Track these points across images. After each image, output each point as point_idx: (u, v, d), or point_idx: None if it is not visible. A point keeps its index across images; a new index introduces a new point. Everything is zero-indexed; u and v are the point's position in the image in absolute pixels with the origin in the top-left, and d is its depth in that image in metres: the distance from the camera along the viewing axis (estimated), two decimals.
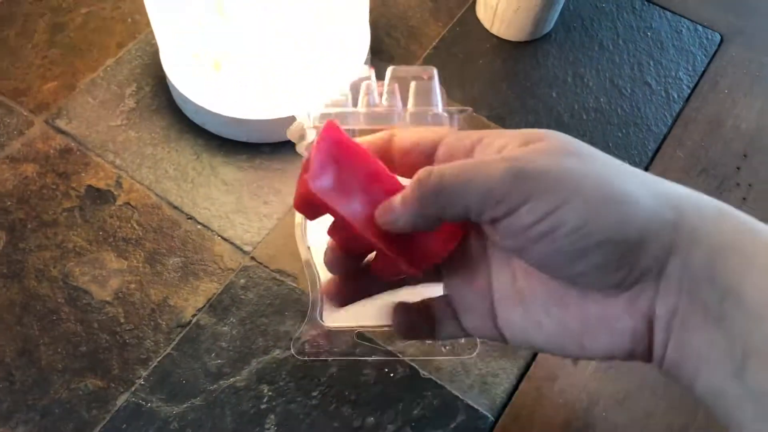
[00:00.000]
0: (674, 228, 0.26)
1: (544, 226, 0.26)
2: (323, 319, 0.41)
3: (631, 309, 0.27)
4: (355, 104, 0.41)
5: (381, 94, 0.41)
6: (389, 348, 0.44)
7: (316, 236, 0.40)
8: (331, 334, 0.42)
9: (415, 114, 0.39)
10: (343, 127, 0.31)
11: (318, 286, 0.40)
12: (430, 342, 0.43)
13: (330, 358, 0.43)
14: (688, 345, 0.27)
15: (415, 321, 0.33)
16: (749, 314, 0.25)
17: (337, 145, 0.31)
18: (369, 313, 0.40)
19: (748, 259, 0.26)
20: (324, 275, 0.39)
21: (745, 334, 0.25)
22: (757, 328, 0.25)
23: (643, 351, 0.28)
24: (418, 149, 0.31)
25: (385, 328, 0.41)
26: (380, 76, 0.41)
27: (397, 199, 0.29)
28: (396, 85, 0.40)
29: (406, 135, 0.32)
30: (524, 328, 0.30)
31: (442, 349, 0.42)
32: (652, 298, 0.27)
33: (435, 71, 0.41)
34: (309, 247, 0.40)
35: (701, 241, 0.26)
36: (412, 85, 0.40)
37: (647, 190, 0.27)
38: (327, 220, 0.32)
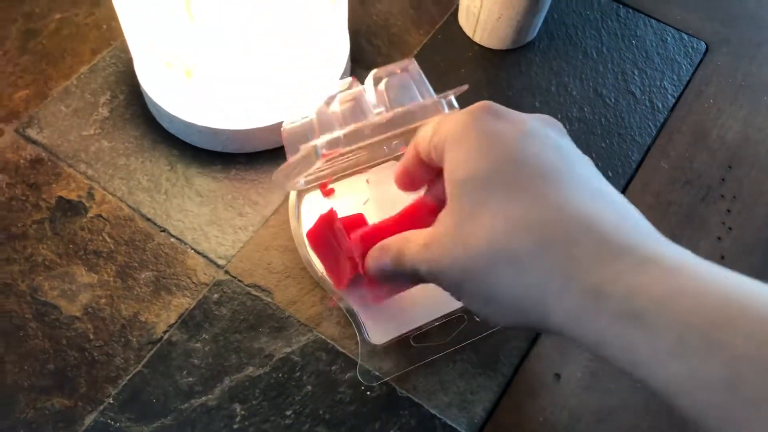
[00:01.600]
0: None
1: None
2: (371, 338, 0.41)
3: None
4: (335, 120, 0.40)
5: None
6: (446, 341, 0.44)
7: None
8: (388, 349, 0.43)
9: (415, 109, 0.39)
10: (346, 149, 0.38)
11: (357, 317, 0.41)
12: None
13: (403, 371, 0.43)
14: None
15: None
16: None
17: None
18: (412, 317, 0.43)
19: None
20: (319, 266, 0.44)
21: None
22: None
23: None
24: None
25: (435, 323, 0.43)
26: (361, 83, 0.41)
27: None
28: (383, 89, 0.40)
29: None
30: None
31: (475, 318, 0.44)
32: None
33: (414, 62, 0.40)
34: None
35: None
36: (393, 81, 0.40)
37: (519, 278, 0.30)
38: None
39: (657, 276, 0.27)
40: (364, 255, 0.39)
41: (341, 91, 0.41)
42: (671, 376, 0.26)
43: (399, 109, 0.39)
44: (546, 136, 0.33)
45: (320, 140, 0.38)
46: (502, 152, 0.32)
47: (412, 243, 0.35)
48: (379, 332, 0.43)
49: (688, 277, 0.27)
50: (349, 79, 0.41)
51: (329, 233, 0.44)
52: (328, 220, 0.44)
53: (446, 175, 0.34)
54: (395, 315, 0.44)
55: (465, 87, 0.41)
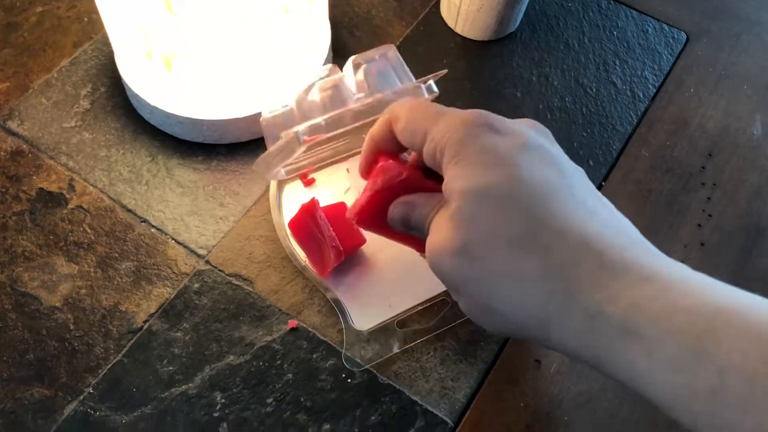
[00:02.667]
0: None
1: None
2: (356, 324, 0.41)
3: None
4: (315, 109, 0.40)
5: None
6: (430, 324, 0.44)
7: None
8: (372, 335, 0.43)
9: (395, 95, 0.39)
10: (327, 135, 0.39)
11: (342, 305, 0.41)
12: None
13: (386, 356, 0.43)
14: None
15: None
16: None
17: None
18: (396, 302, 0.44)
19: None
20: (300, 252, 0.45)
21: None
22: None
23: None
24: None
25: (419, 308, 0.44)
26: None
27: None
28: (363, 75, 0.40)
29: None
30: None
31: None
32: None
33: (393, 48, 0.41)
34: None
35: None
36: (372, 67, 0.40)
37: (520, 297, 0.31)
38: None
39: (653, 293, 0.29)
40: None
41: (321, 78, 0.41)
42: (666, 388, 0.28)
43: (379, 95, 0.39)
44: (541, 147, 0.33)
45: (301, 126, 0.38)
46: (503, 169, 0.32)
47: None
48: (363, 318, 0.43)
49: (681, 292, 0.28)
50: (329, 65, 0.41)
51: (311, 222, 0.44)
52: (310, 209, 0.44)
53: (447, 182, 0.33)
54: (379, 301, 0.44)
55: (444, 72, 0.41)
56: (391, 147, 0.37)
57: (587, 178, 0.35)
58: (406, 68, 0.42)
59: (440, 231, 0.33)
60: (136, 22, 0.42)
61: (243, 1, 0.40)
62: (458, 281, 0.33)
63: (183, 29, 0.41)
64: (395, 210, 0.37)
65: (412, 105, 0.36)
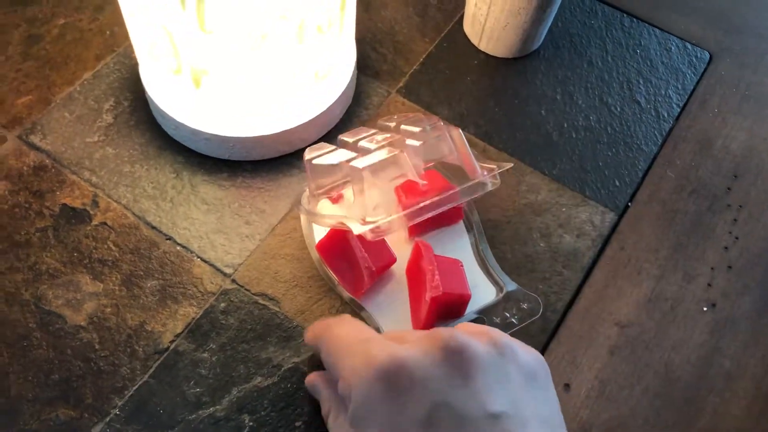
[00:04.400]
0: None
1: None
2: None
3: None
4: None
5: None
6: None
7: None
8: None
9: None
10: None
11: (377, 324, 0.42)
12: None
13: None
14: None
15: None
16: None
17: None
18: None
19: None
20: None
21: None
22: None
23: None
24: None
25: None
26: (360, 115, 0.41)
27: None
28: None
29: None
30: None
31: None
32: None
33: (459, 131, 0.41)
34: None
35: None
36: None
37: None
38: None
39: None
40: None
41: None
42: None
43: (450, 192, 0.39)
44: (456, 415, 0.29)
45: (385, 219, 0.38)
46: None
47: None
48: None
49: None
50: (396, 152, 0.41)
51: (343, 243, 0.43)
52: (340, 230, 0.43)
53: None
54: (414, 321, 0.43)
55: (510, 165, 0.41)
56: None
57: (527, 412, 0.30)
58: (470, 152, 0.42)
59: None
60: (166, 39, 0.41)
61: (276, 20, 0.40)
62: None
63: (215, 47, 0.40)
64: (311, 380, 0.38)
65: (333, 331, 0.34)
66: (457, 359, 0.29)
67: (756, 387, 0.45)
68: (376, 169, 0.39)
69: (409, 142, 0.41)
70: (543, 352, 0.44)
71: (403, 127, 0.43)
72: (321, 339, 0.35)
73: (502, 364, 0.30)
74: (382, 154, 0.39)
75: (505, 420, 0.29)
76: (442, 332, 0.30)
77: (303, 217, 0.46)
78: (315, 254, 0.45)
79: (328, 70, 0.46)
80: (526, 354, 0.32)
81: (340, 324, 0.35)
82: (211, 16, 0.38)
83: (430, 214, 0.40)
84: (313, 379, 0.38)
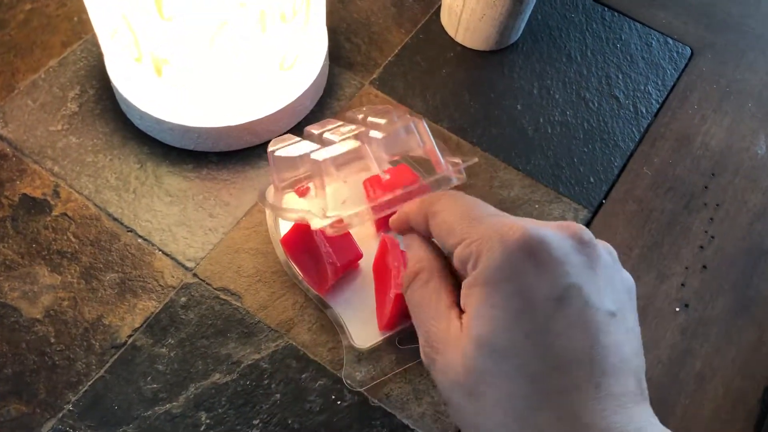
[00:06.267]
0: None
1: None
2: (355, 342, 0.40)
3: None
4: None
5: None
6: None
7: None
8: (374, 354, 0.42)
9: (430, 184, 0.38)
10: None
11: (341, 321, 0.40)
12: None
13: (390, 374, 0.41)
14: None
15: None
16: None
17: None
18: None
19: None
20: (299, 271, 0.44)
21: None
22: None
23: None
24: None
25: None
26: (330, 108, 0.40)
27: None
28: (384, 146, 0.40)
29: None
30: None
31: None
32: None
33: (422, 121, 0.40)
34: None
35: None
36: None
37: None
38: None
39: None
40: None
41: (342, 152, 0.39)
42: None
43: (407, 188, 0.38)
44: (583, 301, 0.29)
45: (345, 212, 0.36)
46: (530, 328, 0.29)
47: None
48: (363, 336, 0.42)
49: None
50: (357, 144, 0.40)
51: (307, 238, 0.42)
52: (303, 225, 0.42)
53: (469, 309, 0.31)
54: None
55: (475, 160, 0.40)
56: (424, 233, 0.35)
57: (630, 324, 0.31)
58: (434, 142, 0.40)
59: (451, 361, 0.31)
60: (125, 26, 0.40)
61: (237, 7, 0.39)
62: (460, 410, 0.31)
63: (175, 35, 0.39)
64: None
65: (451, 202, 0.33)
66: (588, 251, 0.30)
67: (726, 389, 0.44)
68: (338, 161, 0.38)
69: (373, 134, 0.40)
70: None
71: (369, 119, 0.42)
72: (434, 209, 0.34)
73: (616, 270, 0.32)
74: (344, 147, 0.38)
75: (618, 321, 0.30)
76: (575, 224, 0.31)
77: (268, 211, 0.45)
78: (279, 249, 0.44)
79: (295, 60, 0.45)
80: (627, 273, 0.33)
81: (461, 197, 0.34)
82: (170, 2, 0.37)
83: (395, 208, 0.38)
84: (411, 234, 0.36)
